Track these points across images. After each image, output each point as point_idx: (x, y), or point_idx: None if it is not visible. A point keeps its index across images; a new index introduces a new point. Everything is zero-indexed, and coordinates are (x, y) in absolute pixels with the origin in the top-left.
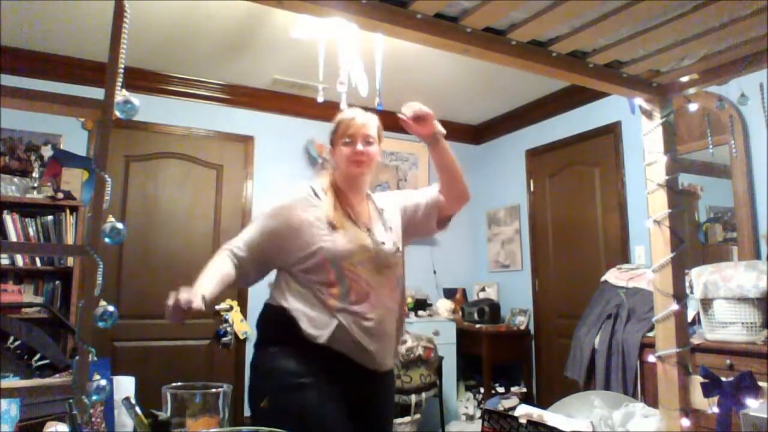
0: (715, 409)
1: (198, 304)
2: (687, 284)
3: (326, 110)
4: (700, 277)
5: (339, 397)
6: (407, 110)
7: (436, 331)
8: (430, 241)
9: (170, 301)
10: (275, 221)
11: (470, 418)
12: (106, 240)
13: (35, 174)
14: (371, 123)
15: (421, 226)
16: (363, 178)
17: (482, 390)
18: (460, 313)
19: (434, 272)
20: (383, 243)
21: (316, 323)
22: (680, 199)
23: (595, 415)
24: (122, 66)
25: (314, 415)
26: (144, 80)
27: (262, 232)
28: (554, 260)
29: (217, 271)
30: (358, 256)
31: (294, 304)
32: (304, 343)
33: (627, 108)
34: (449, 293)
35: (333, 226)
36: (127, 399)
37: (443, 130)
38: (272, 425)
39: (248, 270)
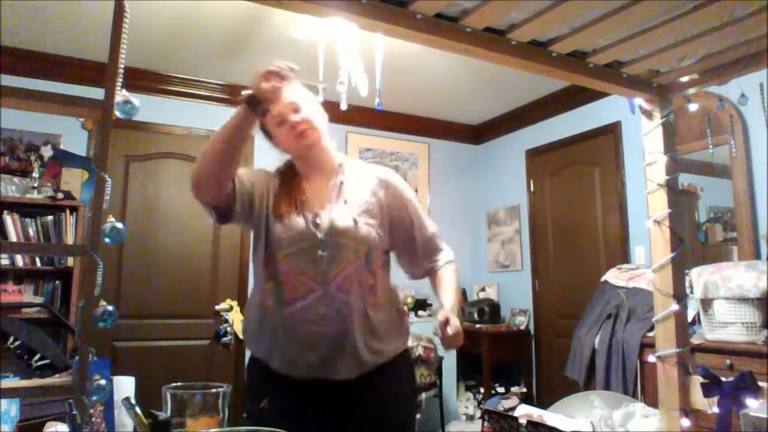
0: (715, 409)
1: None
2: (687, 284)
3: (326, 110)
4: (700, 277)
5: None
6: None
7: (436, 331)
8: None
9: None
10: (248, 172)
11: (470, 418)
12: (106, 240)
13: (35, 174)
14: (291, 90)
15: (401, 258)
16: (317, 149)
17: (482, 390)
18: (460, 313)
19: None
20: (332, 223)
21: (254, 334)
22: (680, 199)
23: (595, 415)
24: (122, 66)
25: None
26: (144, 80)
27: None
28: (554, 260)
29: None
30: (293, 246)
31: (248, 311)
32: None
33: (627, 108)
34: None
35: (280, 215)
36: (127, 399)
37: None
38: None
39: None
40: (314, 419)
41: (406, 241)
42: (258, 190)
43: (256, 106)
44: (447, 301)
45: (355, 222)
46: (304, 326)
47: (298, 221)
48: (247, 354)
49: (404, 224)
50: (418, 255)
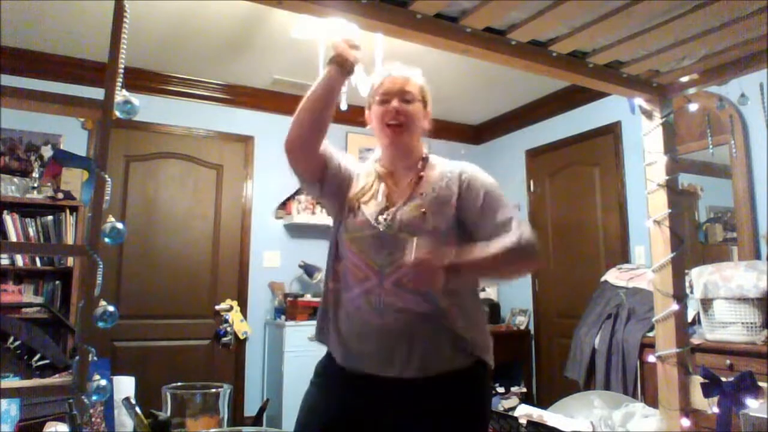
0: (715, 409)
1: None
2: (687, 284)
3: None
4: (700, 277)
5: (338, 407)
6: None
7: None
8: None
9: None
10: (345, 162)
11: None
12: (106, 240)
13: (35, 174)
14: (412, 78)
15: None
16: (400, 144)
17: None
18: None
19: None
20: (393, 217)
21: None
22: (680, 199)
23: (595, 415)
24: (122, 66)
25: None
26: (144, 80)
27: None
28: (554, 260)
29: None
30: (359, 232)
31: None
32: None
33: (627, 108)
34: None
35: (352, 208)
36: (127, 399)
37: (457, 260)
38: None
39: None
40: (358, 415)
41: (478, 231)
42: (346, 172)
43: (343, 65)
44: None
45: (424, 215)
46: (358, 314)
47: (370, 210)
48: (249, 353)
49: (478, 216)
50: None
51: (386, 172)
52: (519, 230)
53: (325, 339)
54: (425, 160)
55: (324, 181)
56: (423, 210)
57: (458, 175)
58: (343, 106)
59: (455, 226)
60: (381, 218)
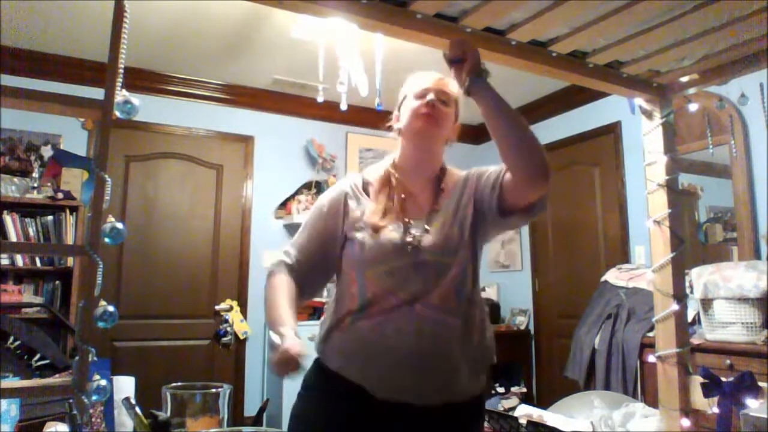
0: (715, 409)
1: (301, 358)
2: (687, 284)
3: (326, 110)
4: (700, 277)
5: None
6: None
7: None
8: None
9: (278, 355)
10: (315, 211)
11: None
12: (106, 240)
13: (35, 174)
14: (452, 86)
15: (489, 213)
16: (431, 139)
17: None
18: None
19: None
20: (421, 240)
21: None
22: (680, 199)
23: (595, 415)
24: (122, 66)
25: None
26: (144, 80)
27: (313, 230)
28: (554, 260)
29: (287, 296)
30: (388, 265)
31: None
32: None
33: (627, 108)
34: None
35: (375, 228)
36: (127, 399)
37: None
38: None
39: (308, 276)
40: None
41: (492, 191)
42: (333, 205)
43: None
44: None
45: (449, 237)
46: (389, 341)
47: (394, 233)
48: (249, 353)
49: (489, 186)
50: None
51: (404, 180)
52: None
53: (335, 358)
54: (444, 170)
55: (341, 247)
56: (447, 231)
57: (465, 181)
58: (343, 107)
59: (474, 231)
60: (407, 243)
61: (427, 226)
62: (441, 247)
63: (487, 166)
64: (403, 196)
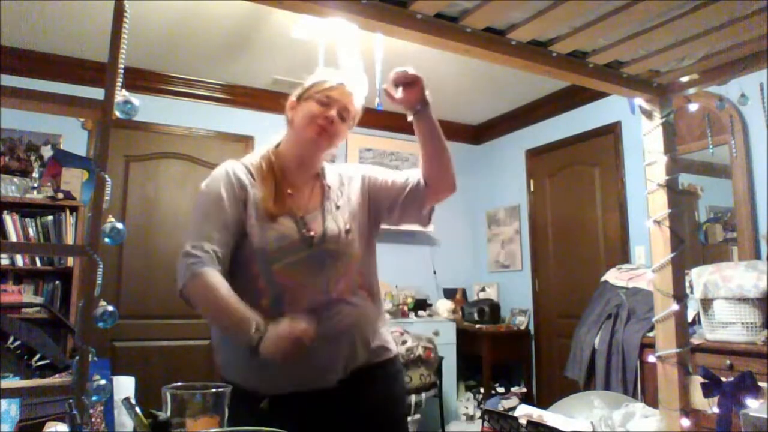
0: (715, 409)
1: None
2: (687, 284)
3: None
4: (700, 277)
5: None
6: (395, 77)
7: (436, 331)
8: (429, 241)
9: (285, 334)
10: (212, 201)
11: (470, 418)
12: (106, 240)
13: (35, 174)
14: (357, 97)
15: (408, 210)
16: (318, 152)
17: (482, 390)
18: (460, 313)
19: (434, 272)
20: (319, 232)
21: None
22: (680, 199)
23: (595, 415)
24: (122, 66)
25: None
26: (144, 80)
27: (223, 217)
28: (554, 260)
29: (228, 292)
30: (293, 256)
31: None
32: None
33: (627, 108)
34: (449, 293)
35: (270, 215)
36: (127, 399)
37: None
38: None
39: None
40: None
41: (410, 194)
42: (221, 194)
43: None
44: None
45: (348, 230)
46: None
47: (290, 227)
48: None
49: (393, 188)
50: (417, 180)
51: (287, 173)
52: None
53: (242, 372)
54: (323, 169)
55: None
56: (345, 224)
57: (360, 178)
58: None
59: (369, 224)
60: (306, 235)
61: (322, 219)
62: (338, 239)
63: (375, 172)
64: (289, 190)
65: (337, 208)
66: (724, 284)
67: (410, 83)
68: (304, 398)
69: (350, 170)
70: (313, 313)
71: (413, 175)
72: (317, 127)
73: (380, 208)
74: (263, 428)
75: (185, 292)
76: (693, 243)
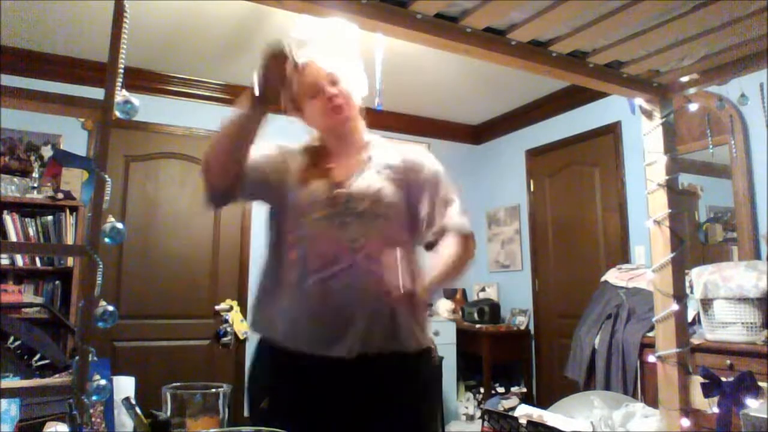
0: (715, 409)
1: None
2: (687, 284)
3: None
4: (700, 277)
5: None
6: None
7: (436, 331)
8: None
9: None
10: (260, 154)
11: (470, 418)
12: (106, 240)
13: (35, 174)
14: (333, 61)
15: (417, 202)
16: (350, 125)
17: (482, 390)
18: (460, 313)
19: None
20: (359, 188)
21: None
22: (680, 199)
23: (595, 415)
24: (122, 66)
25: None
26: (144, 80)
27: (253, 162)
28: (554, 260)
29: None
30: (319, 212)
31: (261, 288)
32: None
33: (627, 108)
34: (449, 293)
35: (305, 180)
36: (127, 399)
37: (426, 289)
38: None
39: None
40: (327, 402)
41: (423, 212)
42: (272, 166)
43: (264, 99)
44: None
45: (382, 188)
46: (331, 297)
47: (323, 186)
48: (249, 353)
49: (424, 199)
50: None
51: (327, 151)
52: (462, 223)
53: (269, 328)
54: (368, 142)
55: (236, 193)
56: (381, 184)
57: (404, 158)
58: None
59: (405, 206)
60: (337, 194)
61: (356, 180)
62: (365, 197)
63: (440, 182)
64: (330, 164)
65: (377, 173)
66: (724, 284)
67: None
68: (323, 365)
69: (404, 150)
70: (334, 270)
71: (444, 221)
72: (329, 113)
73: (412, 203)
74: (263, 428)
75: (204, 161)
76: (693, 243)
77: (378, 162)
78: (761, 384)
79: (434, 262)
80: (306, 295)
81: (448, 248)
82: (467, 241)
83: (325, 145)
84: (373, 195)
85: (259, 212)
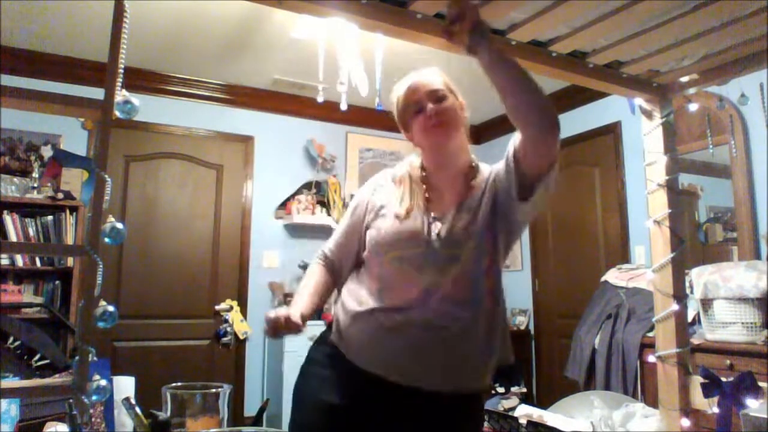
0: (715, 409)
1: (296, 319)
2: (687, 284)
3: (326, 110)
4: (700, 277)
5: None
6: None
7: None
8: None
9: (271, 315)
10: (351, 209)
11: None
12: (106, 240)
13: (35, 174)
14: (433, 77)
15: (504, 202)
16: (451, 143)
17: None
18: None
19: None
20: (436, 230)
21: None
22: (680, 199)
23: (595, 415)
24: (122, 66)
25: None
26: (144, 80)
27: (344, 224)
28: (554, 260)
29: (311, 280)
30: (401, 251)
31: (343, 294)
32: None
33: (627, 108)
34: None
35: (395, 215)
36: (127, 399)
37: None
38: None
39: (342, 264)
40: (383, 420)
41: (505, 176)
42: (363, 200)
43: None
44: None
45: (471, 234)
46: (405, 332)
47: (415, 222)
48: (249, 353)
49: (500, 175)
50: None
51: (431, 176)
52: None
53: (340, 339)
54: (474, 168)
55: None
56: (464, 224)
57: (489, 174)
58: (343, 107)
59: (492, 227)
60: (423, 232)
61: (448, 218)
62: (454, 240)
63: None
64: (426, 192)
65: (470, 210)
66: (724, 284)
67: (459, 17)
68: (395, 390)
69: (488, 169)
70: (407, 311)
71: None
72: (431, 130)
73: (503, 196)
74: (263, 428)
75: None
76: (693, 243)
77: (475, 197)
78: (761, 384)
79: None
80: (385, 326)
81: None
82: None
83: (428, 168)
84: (458, 242)
85: (259, 212)
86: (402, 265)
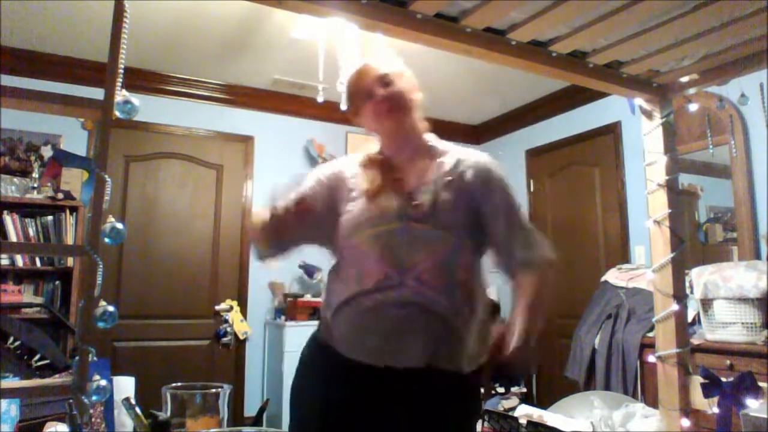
0: (715, 409)
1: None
2: (687, 284)
3: (326, 110)
4: (700, 277)
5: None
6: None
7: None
8: None
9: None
10: (313, 178)
11: None
12: (106, 240)
13: (35, 174)
14: (381, 63)
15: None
16: (403, 126)
17: (482, 390)
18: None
19: None
20: (411, 207)
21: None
22: (680, 199)
23: (595, 415)
24: (122, 66)
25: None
26: (144, 80)
27: (306, 187)
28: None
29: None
30: (376, 228)
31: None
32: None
33: (627, 108)
34: None
35: (367, 196)
36: (127, 399)
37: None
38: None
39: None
40: (374, 407)
41: (491, 231)
42: (326, 183)
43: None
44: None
45: (441, 207)
46: (387, 314)
47: (387, 200)
48: (249, 353)
49: (490, 217)
50: (499, 253)
51: (388, 161)
52: (542, 250)
53: (328, 335)
54: (432, 147)
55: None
56: (443, 199)
57: (475, 165)
58: (343, 107)
59: (471, 220)
60: (403, 208)
61: (420, 195)
62: (431, 216)
63: (504, 192)
64: (392, 173)
65: (437, 181)
66: (724, 284)
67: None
68: (379, 373)
69: (474, 156)
70: (386, 290)
71: (511, 250)
72: (382, 114)
73: (479, 216)
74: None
75: (250, 236)
76: (693, 243)
77: (441, 175)
78: (761, 384)
79: (517, 302)
80: (364, 310)
81: (522, 294)
82: (542, 273)
83: (387, 153)
84: (442, 207)
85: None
86: (377, 243)
